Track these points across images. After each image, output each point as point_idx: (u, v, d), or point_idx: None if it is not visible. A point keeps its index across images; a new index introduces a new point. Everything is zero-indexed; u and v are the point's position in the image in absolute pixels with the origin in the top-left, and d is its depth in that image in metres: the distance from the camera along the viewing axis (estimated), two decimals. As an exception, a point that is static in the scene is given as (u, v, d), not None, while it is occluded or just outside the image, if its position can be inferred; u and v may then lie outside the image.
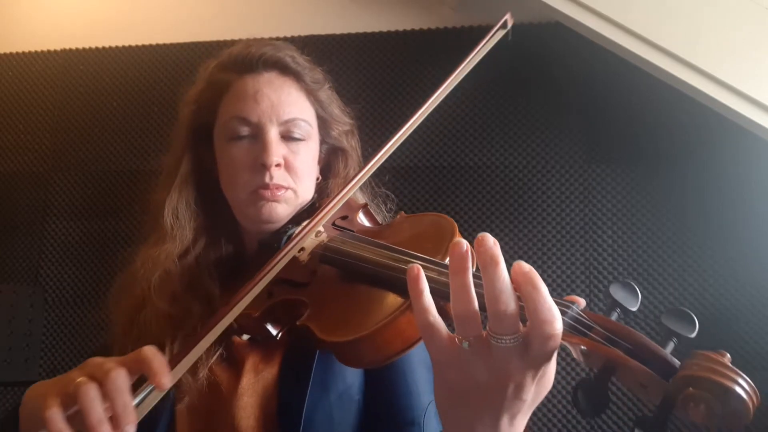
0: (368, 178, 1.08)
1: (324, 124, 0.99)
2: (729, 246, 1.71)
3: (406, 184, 1.90)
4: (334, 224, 0.91)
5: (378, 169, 1.06)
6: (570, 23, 1.66)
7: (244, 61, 0.94)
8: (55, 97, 2.15)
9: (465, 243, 0.53)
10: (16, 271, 2.06)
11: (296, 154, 0.93)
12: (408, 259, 0.70)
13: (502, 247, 0.53)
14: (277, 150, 0.90)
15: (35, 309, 1.91)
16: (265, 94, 0.92)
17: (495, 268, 0.51)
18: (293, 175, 0.92)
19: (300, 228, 0.83)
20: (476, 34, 1.94)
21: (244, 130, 0.92)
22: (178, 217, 0.95)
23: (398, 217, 0.90)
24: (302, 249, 0.84)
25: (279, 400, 0.84)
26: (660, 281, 1.74)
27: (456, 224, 0.77)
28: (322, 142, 1.00)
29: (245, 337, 0.91)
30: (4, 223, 2.09)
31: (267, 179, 0.89)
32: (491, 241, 0.52)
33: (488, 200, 1.86)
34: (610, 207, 1.80)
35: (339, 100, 1.03)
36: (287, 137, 0.93)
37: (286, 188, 0.92)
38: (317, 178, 1.02)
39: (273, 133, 0.91)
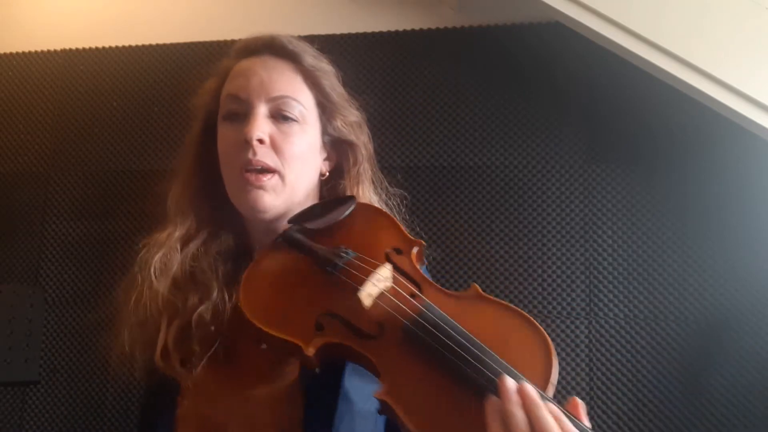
0: (380, 177, 1.07)
1: (325, 112, 0.96)
2: (729, 246, 1.71)
3: (406, 185, 1.90)
4: (394, 266, 0.79)
5: (389, 167, 1.04)
6: (570, 23, 1.66)
7: (247, 47, 0.95)
8: (55, 97, 2.15)
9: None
10: (16, 271, 2.06)
11: (286, 135, 0.89)
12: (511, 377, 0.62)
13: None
14: (260, 125, 0.87)
15: (35, 309, 1.90)
16: (256, 72, 0.91)
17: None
18: (281, 157, 0.88)
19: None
20: (476, 34, 1.94)
21: (236, 109, 0.90)
22: (182, 207, 0.95)
23: (471, 291, 0.77)
24: (360, 290, 0.72)
25: (306, 414, 0.81)
26: (660, 281, 1.74)
27: (550, 341, 0.69)
28: (324, 132, 0.97)
29: (264, 346, 0.86)
30: (4, 223, 2.08)
31: (250, 155, 0.86)
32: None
33: (488, 200, 1.86)
34: (610, 207, 1.80)
35: (347, 95, 1.01)
36: (277, 116, 0.90)
37: (272, 172, 0.88)
38: (322, 175, 0.99)
39: (260, 110, 0.88)
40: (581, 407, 0.64)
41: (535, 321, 0.72)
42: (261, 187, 0.87)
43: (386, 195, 1.05)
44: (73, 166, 2.10)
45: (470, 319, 0.71)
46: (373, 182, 1.06)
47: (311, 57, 0.95)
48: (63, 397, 1.95)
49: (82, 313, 2.00)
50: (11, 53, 2.20)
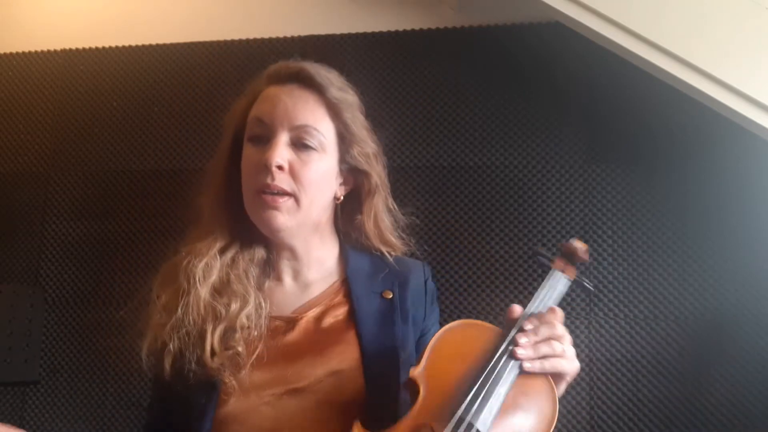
0: (393, 204, 1.12)
1: (344, 142, 1.01)
2: (729, 246, 1.71)
3: (406, 184, 1.90)
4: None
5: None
6: (570, 23, 1.66)
7: (277, 73, 1.00)
8: (55, 97, 2.15)
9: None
10: (16, 271, 2.06)
11: (304, 163, 0.94)
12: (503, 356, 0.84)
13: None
14: (281, 152, 0.93)
15: (35, 309, 1.91)
16: (282, 99, 0.96)
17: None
18: (297, 182, 0.94)
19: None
20: (476, 34, 1.95)
21: (260, 133, 0.96)
22: (218, 219, 1.01)
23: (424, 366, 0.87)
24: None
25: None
26: (660, 281, 1.74)
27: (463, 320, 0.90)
28: (342, 160, 1.02)
29: None
30: (4, 223, 2.09)
31: (269, 180, 0.92)
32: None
33: (488, 200, 1.86)
34: (610, 207, 1.80)
35: (368, 126, 1.06)
36: (298, 144, 0.95)
37: (288, 195, 0.93)
38: (337, 198, 1.04)
39: (282, 137, 0.94)
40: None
41: (447, 325, 0.89)
42: (276, 208, 0.93)
43: (400, 222, 1.12)
44: (73, 166, 2.10)
45: (443, 361, 0.86)
46: (388, 209, 1.12)
47: (336, 89, 1.00)
48: (63, 397, 1.95)
49: (82, 313, 2.00)
50: (11, 53, 2.20)
